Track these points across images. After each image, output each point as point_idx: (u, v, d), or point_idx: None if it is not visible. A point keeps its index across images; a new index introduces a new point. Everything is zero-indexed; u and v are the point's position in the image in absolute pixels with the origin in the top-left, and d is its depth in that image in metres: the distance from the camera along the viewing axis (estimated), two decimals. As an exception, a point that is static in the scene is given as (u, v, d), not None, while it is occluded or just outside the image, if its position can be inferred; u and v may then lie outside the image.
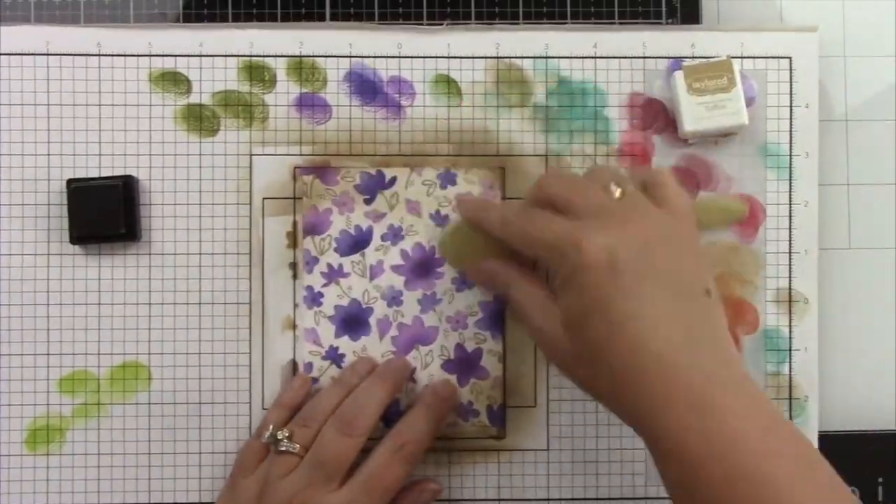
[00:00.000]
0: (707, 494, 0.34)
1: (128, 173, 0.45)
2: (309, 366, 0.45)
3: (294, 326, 0.45)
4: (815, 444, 0.46)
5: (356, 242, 0.45)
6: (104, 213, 0.44)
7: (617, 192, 0.38)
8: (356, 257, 0.45)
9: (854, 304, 0.47)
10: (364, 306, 0.45)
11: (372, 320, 0.45)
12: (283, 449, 0.41)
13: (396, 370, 0.44)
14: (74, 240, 0.44)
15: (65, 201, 0.44)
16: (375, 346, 0.45)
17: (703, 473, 0.34)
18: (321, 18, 0.46)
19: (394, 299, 0.45)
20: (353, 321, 0.45)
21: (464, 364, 0.45)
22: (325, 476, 0.40)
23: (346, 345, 0.45)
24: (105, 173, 0.45)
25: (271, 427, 0.42)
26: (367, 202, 0.45)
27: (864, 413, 0.47)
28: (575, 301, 0.37)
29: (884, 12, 0.48)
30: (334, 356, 0.45)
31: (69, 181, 0.44)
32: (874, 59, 0.48)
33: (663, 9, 0.47)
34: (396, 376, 0.44)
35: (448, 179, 0.45)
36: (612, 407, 0.37)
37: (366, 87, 0.46)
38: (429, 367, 0.45)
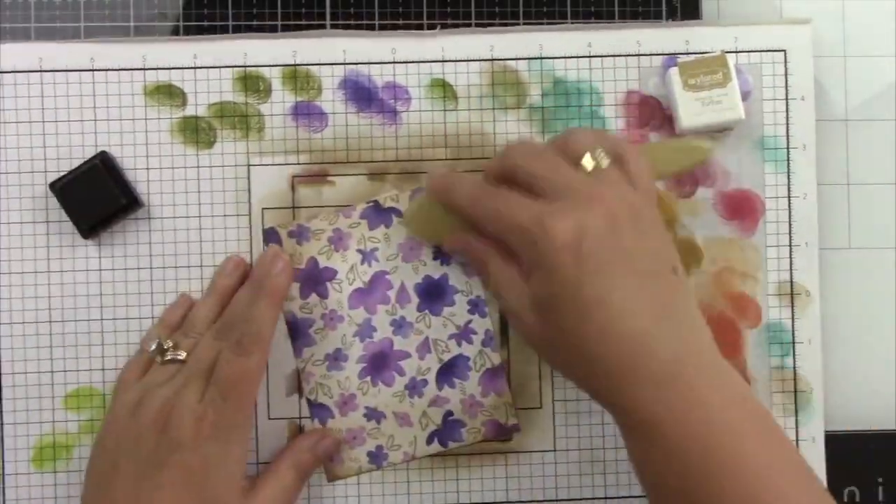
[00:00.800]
0: (670, 467, 0.35)
1: (100, 150, 0.45)
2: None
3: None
4: (822, 437, 0.46)
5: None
6: (98, 196, 0.43)
7: (590, 166, 0.38)
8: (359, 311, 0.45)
9: (854, 305, 0.47)
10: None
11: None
12: (169, 358, 0.41)
13: (277, 274, 0.42)
14: (86, 234, 0.44)
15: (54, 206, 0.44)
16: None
17: (667, 446, 0.35)
18: (321, 26, 0.46)
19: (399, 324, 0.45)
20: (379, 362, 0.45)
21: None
22: (194, 380, 0.40)
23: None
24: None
25: (157, 339, 0.42)
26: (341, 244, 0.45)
27: (865, 413, 0.47)
28: (544, 285, 0.37)
29: (883, 12, 0.48)
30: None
31: (51, 184, 0.44)
32: (874, 59, 0.48)
33: (663, 8, 0.47)
34: (278, 282, 0.42)
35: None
36: (584, 387, 0.38)
37: (361, 94, 0.46)
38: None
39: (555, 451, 0.46)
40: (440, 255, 0.45)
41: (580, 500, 0.46)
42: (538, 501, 0.46)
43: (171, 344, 0.42)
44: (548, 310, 0.37)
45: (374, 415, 0.45)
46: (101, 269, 0.45)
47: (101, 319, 0.45)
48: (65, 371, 0.45)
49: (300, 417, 0.45)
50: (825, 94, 0.47)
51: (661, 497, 0.36)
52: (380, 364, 0.45)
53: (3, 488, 0.45)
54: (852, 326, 0.47)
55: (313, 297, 0.45)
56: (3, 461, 0.45)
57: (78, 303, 0.45)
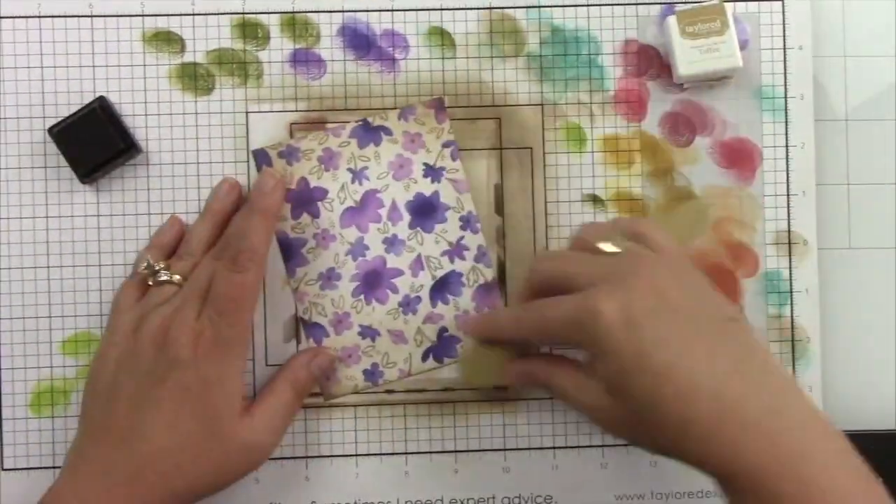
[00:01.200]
0: None
1: (100, 94, 0.45)
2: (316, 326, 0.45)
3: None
4: (819, 386, 0.46)
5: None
6: (96, 140, 0.44)
7: (610, 249, 0.39)
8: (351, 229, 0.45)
9: (854, 304, 0.47)
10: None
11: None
12: (163, 279, 0.42)
13: (269, 192, 0.43)
14: (83, 178, 0.44)
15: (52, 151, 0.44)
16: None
17: (769, 496, 0.33)
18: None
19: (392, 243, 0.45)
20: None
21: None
22: (191, 299, 0.40)
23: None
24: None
25: (148, 259, 0.42)
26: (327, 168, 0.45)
27: (865, 413, 0.47)
28: (609, 368, 0.36)
29: (884, 12, 0.48)
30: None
31: (49, 129, 0.44)
32: (874, 59, 0.48)
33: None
34: (271, 200, 0.43)
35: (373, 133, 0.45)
36: (680, 458, 0.36)
37: (359, 42, 0.46)
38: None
39: (551, 398, 0.46)
40: (430, 172, 0.45)
41: (577, 447, 0.46)
42: (536, 449, 0.46)
43: (162, 265, 0.42)
44: (621, 390, 0.36)
45: (368, 333, 0.45)
46: (98, 215, 0.45)
47: (99, 265, 0.45)
48: (62, 316, 0.45)
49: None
50: (825, 94, 0.47)
51: None
52: (373, 282, 0.45)
53: (1, 433, 0.45)
54: (852, 326, 0.47)
55: (305, 217, 0.45)
56: (0, 406, 0.45)
57: (76, 248, 0.45)
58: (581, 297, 0.37)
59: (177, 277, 0.42)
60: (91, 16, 0.45)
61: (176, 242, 0.44)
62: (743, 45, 0.46)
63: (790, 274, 0.46)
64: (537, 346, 0.44)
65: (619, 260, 0.38)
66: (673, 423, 0.35)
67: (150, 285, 0.42)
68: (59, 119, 0.44)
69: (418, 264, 0.45)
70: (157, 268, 0.42)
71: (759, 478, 0.34)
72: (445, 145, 0.45)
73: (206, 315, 0.40)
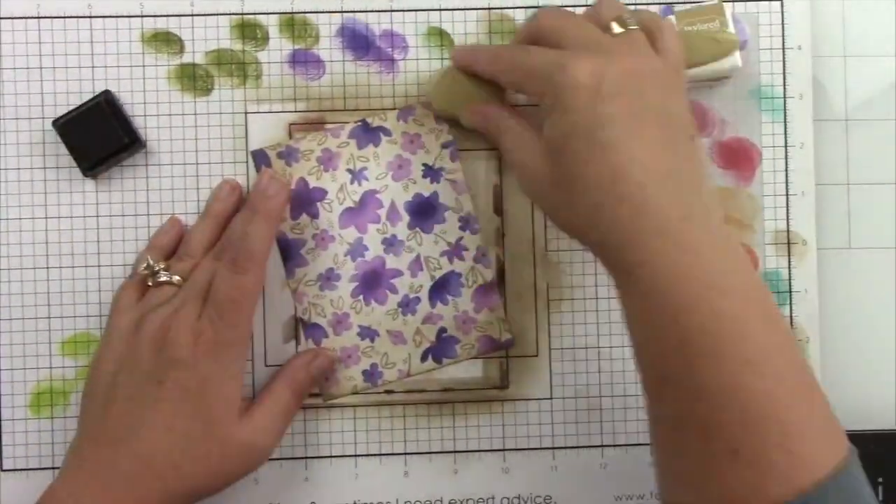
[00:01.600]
0: (669, 324, 0.34)
1: (106, 88, 0.45)
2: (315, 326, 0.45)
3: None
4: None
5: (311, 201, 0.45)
6: (100, 134, 0.44)
7: (619, 30, 0.38)
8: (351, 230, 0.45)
9: (854, 305, 0.47)
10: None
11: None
12: (162, 280, 0.42)
13: (273, 196, 0.42)
14: (87, 171, 0.44)
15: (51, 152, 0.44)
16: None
17: (668, 302, 0.34)
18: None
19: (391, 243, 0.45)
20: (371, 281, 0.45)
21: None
22: (191, 300, 0.40)
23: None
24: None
25: (149, 259, 0.42)
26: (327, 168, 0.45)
27: (864, 413, 0.47)
28: (558, 123, 0.36)
29: (884, 12, 0.48)
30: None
31: (54, 121, 0.44)
32: (874, 59, 0.48)
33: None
34: (273, 203, 0.42)
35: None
36: (582, 237, 0.37)
37: (358, 42, 0.46)
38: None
39: (551, 398, 0.46)
40: (430, 172, 0.45)
41: (576, 447, 0.46)
42: (534, 449, 0.46)
43: (162, 265, 0.42)
44: (560, 149, 0.36)
45: (367, 333, 0.45)
46: (98, 216, 0.45)
47: (99, 266, 0.45)
48: (62, 317, 0.45)
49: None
50: (825, 94, 0.47)
51: (657, 359, 0.35)
52: (372, 282, 0.45)
53: (1, 434, 0.45)
54: (852, 326, 0.47)
55: (304, 218, 0.45)
56: (0, 407, 0.45)
57: (75, 248, 0.45)
58: (562, 54, 0.37)
59: (176, 278, 0.42)
60: (90, 16, 0.45)
61: (175, 243, 0.44)
62: (741, 45, 0.46)
63: (789, 274, 0.46)
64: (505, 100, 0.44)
65: (616, 39, 0.38)
66: (592, 199, 0.35)
67: (149, 286, 0.42)
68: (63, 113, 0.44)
69: (417, 265, 0.45)
70: (156, 268, 0.42)
71: (660, 279, 0.34)
72: (444, 146, 0.45)
73: (207, 316, 0.40)
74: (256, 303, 0.41)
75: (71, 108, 0.44)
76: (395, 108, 0.46)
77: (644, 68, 0.37)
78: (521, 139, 0.40)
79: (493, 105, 0.43)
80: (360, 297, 0.45)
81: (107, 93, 0.44)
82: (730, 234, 0.36)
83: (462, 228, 0.45)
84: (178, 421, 0.39)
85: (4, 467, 0.45)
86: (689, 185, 0.36)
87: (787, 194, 0.46)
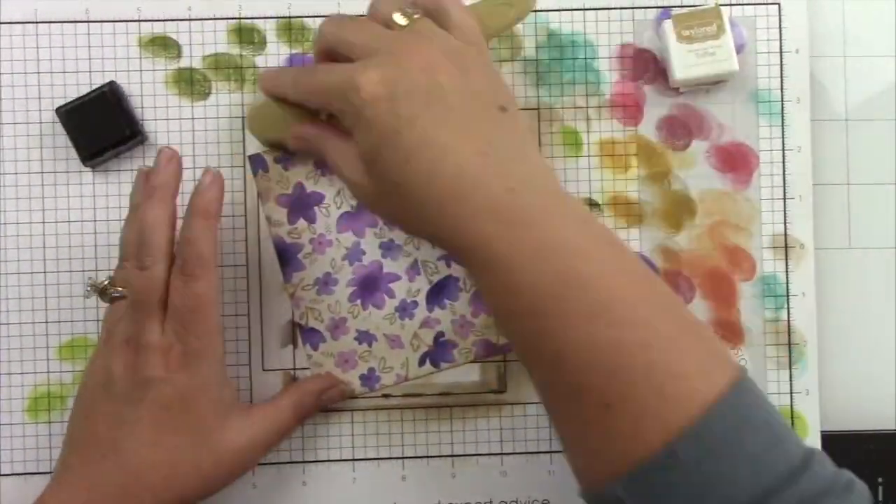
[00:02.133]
0: (517, 297, 0.34)
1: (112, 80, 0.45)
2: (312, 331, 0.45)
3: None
4: (816, 390, 0.46)
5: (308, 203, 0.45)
6: (104, 124, 0.44)
7: (403, 21, 0.38)
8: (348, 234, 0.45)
9: (854, 304, 0.47)
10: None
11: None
12: (116, 296, 0.40)
13: (206, 190, 0.40)
14: (86, 160, 0.44)
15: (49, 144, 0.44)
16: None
17: (510, 274, 0.34)
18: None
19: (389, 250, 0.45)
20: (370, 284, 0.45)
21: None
22: (146, 312, 0.39)
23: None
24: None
25: (89, 283, 0.40)
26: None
27: (864, 413, 0.47)
28: (365, 139, 0.37)
29: (883, 12, 0.48)
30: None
31: (58, 108, 0.44)
32: (874, 59, 0.48)
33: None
34: (207, 198, 0.40)
35: None
36: (422, 234, 0.38)
37: (356, 46, 0.46)
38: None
39: (549, 402, 0.46)
40: None
41: (574, 451, 0.46)
42: (532, 453, 0.46)
43: (105, 282, 0.40)
44: (374, 163, 0.37)
45: (365, 338, 0.45)
46: (95, 221, 0.45)
47: (96, 270, 0.45)
48: (59, 322, 0.45)
49: (294, 369, 0.45)
50: (825, 94, 0.47)
51: (516, 331, 0.36)
52: (370, 287, 0.45)
53: (-2, 438, 0.45)
54: (852, 326, 0.47)
55: (301, 223, 0.45)
56: (-3, 411, 0.45)
57: (73, 254, 0.45)
58: (350, 68, 0.37)
59: (120, 290, 0.40)
60: (88, 21, 0.45)
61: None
62: (739, 49, 0.46)
63: (787, 277, 0.46)
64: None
65: (400, 34, 0.38)
66: (416, 200, 0.35)
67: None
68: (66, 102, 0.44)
69: (415, 269, 0.45)
70: (102, 285, 0.40)
71: (486, 250, 0.34)
72: None
73: (171, 329, 0.39)
74: (218, 306, 0.40)
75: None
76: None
77: (435, 56, 0.37)
78: (344, 155, 0.39)
79: (308, 125, 0.41)
80: (358, 301, 0.45)
81: (112, 83, 0.44)
82: (566, 195, 0.36)
83: None
84: (163, 437, 0.38)
85: (2, 472, 0.45)
86: (504, 157, 0.36)
87: (784, 198, 0.46)
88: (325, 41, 0.40)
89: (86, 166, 0.44)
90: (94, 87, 0.45)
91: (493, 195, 0.35)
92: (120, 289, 0.40)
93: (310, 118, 0.42)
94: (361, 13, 0.45)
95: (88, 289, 0.40)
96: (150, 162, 0.45)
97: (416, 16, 0.38)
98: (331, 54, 0.39)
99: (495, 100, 0.37)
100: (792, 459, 0.32)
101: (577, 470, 0.36)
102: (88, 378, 0.40)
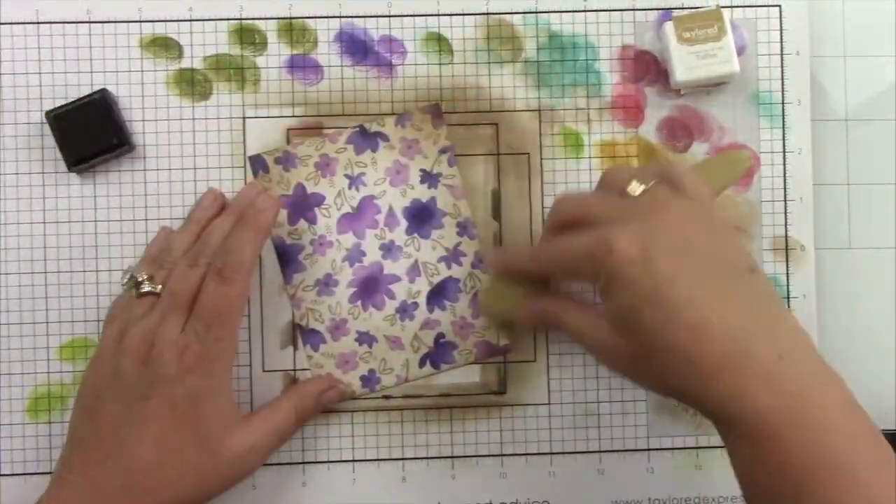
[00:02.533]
0: (783, 474, 0.33)
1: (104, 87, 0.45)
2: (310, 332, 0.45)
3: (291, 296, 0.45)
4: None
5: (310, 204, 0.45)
6: (92, 131, 0.43)
7: (638, 190, 0.38)
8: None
9: (854, 304, 0.47)
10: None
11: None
12: (145, 290, 0.40)
13: (263, 209, 0.42)
14: (72, 166, 0.44)
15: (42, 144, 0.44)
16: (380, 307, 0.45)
17: (780, 450, 0.33)
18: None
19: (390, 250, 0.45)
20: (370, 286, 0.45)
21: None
22: (173, 309, 0.39)
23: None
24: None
25: (132, 271, 0.41)
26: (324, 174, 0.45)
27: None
28: (621, 302, 0.36)
29: (883, 12, 0.48)
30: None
31: (47, 112, 0.44)
32: (874, 59, 0.48)
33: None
34: (264, 217, 0.42)
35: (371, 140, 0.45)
36: (682, 398, 0.36)
37: (356, 47, 0.46)
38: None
39: (549, 404, 0.46)
40: (427, 177, 0.45)
41: (574, 453, 0.46)
42: (532, 454, 0.46)
43: (145, 276, 0.41)
44: (631, 325, 0.36)
45: (365, 339, 0.45)
46: (96, 221, 0.45)
47: (97, 271, 0.45)
48: (59, 322, 0.45)
49: (295, 370, 0.45)
50: (825, 94, 0.47)
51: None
52: (370, 288, 0.45)
53: (-2, 438, 0.45)
54: (852, 326, 0.47)
55: (302, 224, 0.45)
56: (-3, 412, 0.45)
57: (73, 254, 0.45)
58: (598, 232, 0.36)
59: (158, 287, 0.41)
60: (89, 21, 0.45)
61: None
62: (740, 51, 0.46)
63: (787, 279, 0.46)
64: (555, 288, 0.44)
65: (641, 200, 0.37)
66: (680, 359, 0.34)
67: (133, 297, 0.41)
68: (57, 106, 0.44)
69: (415, 270, 0.45)
70: (139, 279, 0.41)
71: (759, 421, 0.33)
72: (442, 151, 0.45)
73: (192, 328, 0.39)
74: (242, 314, 0.40)
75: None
76: (393, 114, 0.46)
77: (682, 217, 0.36)
78: (586, 322, 0.39)
79: (543, 298, 0.42)
80: (359, 302, 0.45)
81: (104, 91, 0.44)
82: (826, 364, 0.35)
83: (460, 234, 0.45)
84: (168, 437, 0.38)
85: (2, 472, 0.45)
86: (769, 321, 0.35)
87: (785, 200, 0.46)
88: (565, 212, 0.40)
89: (71, 171, 0.44)
90: (94, 87, 0.45)
91: (765, 362, 0.34)
92: (158, 286, 0.40)
93: (541, 292, 0.42)
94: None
95: (126, 280, 0.41)
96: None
97: (651, 182, 0.38)
98: (565, 229, 0.39)
99: (744, 261, 0.36)
100: None
101: None
102: (93, 377, 0.40)
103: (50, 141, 0.44)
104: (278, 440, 0.42)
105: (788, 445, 0.33)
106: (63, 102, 0.44)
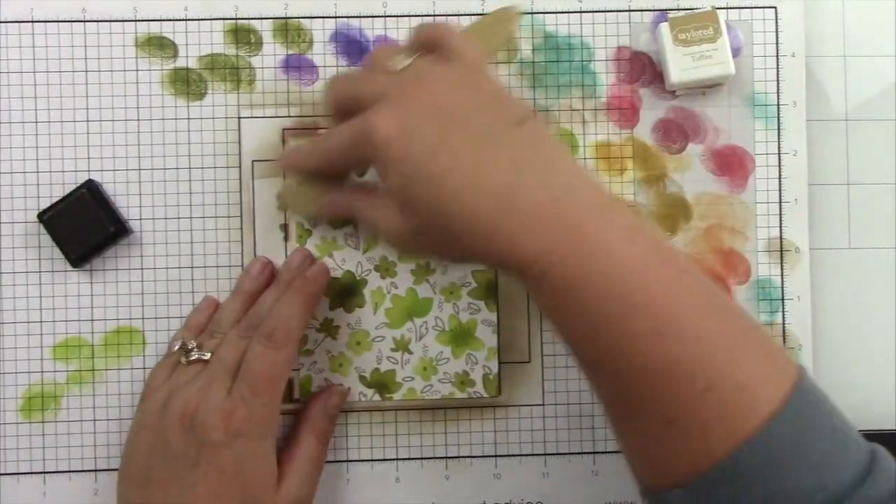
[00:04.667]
0: (572, 311, 0.33)
1: (90, 178, 0.45)
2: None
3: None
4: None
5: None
6: (87, 225, 0.43)
7: (401, 65, 0.38)
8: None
9: (853, 304, 0.47)
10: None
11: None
12: (194, 358, 0.41)
13: (314, 278, 0.43)
14: (75, 263, 0.44)
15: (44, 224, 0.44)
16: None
17: (566, 289, 0.33)
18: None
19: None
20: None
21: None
22: (219, 376, 0.39)
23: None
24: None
25: (181, 340, 0.42)
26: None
27: (865, 413, 0.47)
28: (394, 181, 0.36)
29: (883, 12, 0.48)
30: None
31: (39, 214, 0.44)
32: (874, 59, 0.48)
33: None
34: (315, 286, 0.42)
35: None
36: (472, 260, 0.38)
37: (352, 48, 0.46)
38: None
39: (543, 405, 0.46)
40: None
41: (568, 454, 0.46)
42: (526, 455, 0.46)
43: (194, 344, 0.41)
44: (406, 202, 0.36)
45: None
46: (90, 220, 0.45)
47: (91, 270, 0.45)
48: (53, 321, 0.45)
49: (294, 371, 0.45)
50: (825, 94, 0.47)
51: (574, 343, 0.35)
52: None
53: (-8, 438, 0.45)
54: (852, 326, 0.47)
55: None
56: (-9, 411, 0.45)
57: (69, 264, 0.45)
58: (362, 116, 0.36)
59: (208, 355, 0.41)
60: (84, 20, 0.45)
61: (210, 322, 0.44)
62: (735, 53, 0.46)
63: (782, 281, 0.46)
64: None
65: (404, 76, 0.38)
66: (458, 227, 0.35)
67: (181, 364, 0.41)
68: (51, 201, 0.44)
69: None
70: (189, 346, 0.41)
71: (542, 263, 0.34)
72: None
73: (238, 393, 0.39)
74: (286, 381, 0.40)
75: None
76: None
77: (440, 86, 0.37)
78: (375, 208, 0.39)
79: (335, 192, 0.42)
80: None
81: (90, 181, 0.44)
82: (613, 201, 0.36)
83: None
84: (218, 502, 0.38)
85: (-4, 471, 0.45)
86: (539, 170, 0.35)
87: (780, 202, 0.46)
88: (334, 100, 0.40)
89: (74, 267, 0.44)
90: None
91: (540, 206, 0.34)
92: (207, 354, 0.41)
93: (336, 187, 0.42)
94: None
95: (178, 349, 0.42)
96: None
97: (415, 55, 0.38)
98: (344, 115, 0.39)
99: (511, 115, 0.37)
100: (856, 465, 0.32)
101: (638, 476, 0.36)
102: (139, 446, 0.40)
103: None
104: (316, 473, 0.42)
105: (573, 281, 0.33)
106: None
